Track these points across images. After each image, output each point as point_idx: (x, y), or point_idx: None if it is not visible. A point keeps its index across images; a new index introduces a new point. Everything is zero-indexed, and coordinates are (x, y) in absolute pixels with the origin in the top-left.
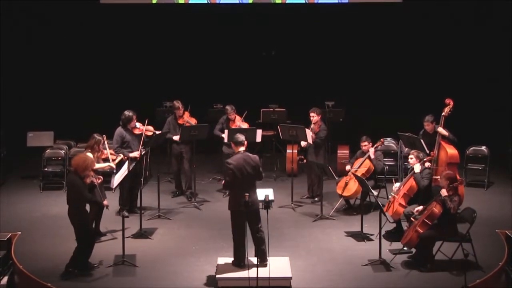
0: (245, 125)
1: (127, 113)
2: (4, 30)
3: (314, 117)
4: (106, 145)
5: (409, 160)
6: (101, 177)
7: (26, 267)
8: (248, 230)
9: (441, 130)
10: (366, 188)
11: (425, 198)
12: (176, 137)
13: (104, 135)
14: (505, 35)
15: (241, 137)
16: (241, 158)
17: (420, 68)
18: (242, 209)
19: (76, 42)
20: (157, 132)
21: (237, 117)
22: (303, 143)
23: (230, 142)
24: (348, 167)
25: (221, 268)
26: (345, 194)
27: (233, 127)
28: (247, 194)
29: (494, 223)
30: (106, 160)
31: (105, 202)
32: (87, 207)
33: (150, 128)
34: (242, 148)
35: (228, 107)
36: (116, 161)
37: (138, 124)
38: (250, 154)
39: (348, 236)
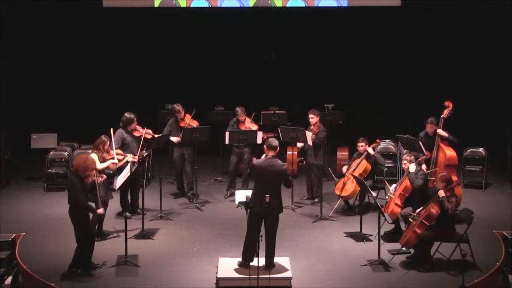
0: (254, 127)
1: (128, 115)
2: (7, 33)
3: (313, 118)
4: (114, 145)
5: (403, 165)
6: (105, 176)
7: (30, 267)
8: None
9: (440, 131)
10: (365, 188)
11: (420, 199)
12: (173, 138)
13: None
14: (504, 37)
15: (275, 142)
16: (267, 161)
17: (419, 70)
18: (258, 210)
19: (79, 44)
20: (156, 136)
21: (247, 119)
22: (299, 144)
23: (230, 144)
24: (345, 168)
25: (222, 268)
26: (343, 194)
27: (242, 128)
28: (268, 195)
29: (491, 223)
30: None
31: (99, 211)
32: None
33: (150, 131)
34: (272, 153)
35: (238, 109)
36: (123, 161)
37: (138, 127)
38: (279, 161)
39: (348, 237)
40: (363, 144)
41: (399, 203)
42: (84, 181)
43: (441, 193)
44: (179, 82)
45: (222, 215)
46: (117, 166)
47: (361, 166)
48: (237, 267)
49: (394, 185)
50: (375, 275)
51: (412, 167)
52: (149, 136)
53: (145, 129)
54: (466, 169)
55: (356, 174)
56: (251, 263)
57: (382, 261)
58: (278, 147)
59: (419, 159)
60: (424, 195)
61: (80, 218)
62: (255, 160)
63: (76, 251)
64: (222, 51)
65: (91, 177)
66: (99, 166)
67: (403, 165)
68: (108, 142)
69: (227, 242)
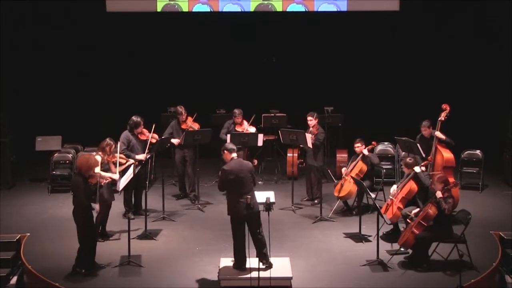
0: (252, 129)
1: (135, 118)
2: (12, 36)
3: (312, 120)
4: (118, 149)
5: (403, 169)
6: (109, 178)
7: (34, 267)
8: (248, 233)
9: (438, 134)
10: (363, 189)
11: (425, 199)
12: (174, 140)
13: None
14: (501, 40)
15: (230, 144)
16: (236, 163)
17: (418, 74)
18: (242, 214)
19: (83, 48)
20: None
21: (245, 121)
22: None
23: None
24: (344, 170)
25: (223, 268)
26: (341, 195)
27: (239, 129)
28: (249, 197)
29: (488, 224)
30: (115, 163)
31: (96, 208)
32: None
33: (156, 136)
34: (234, 155)
35: (236, 110)
36: (125, 165)
37: (144, 131)
38: (243, 160)
39: (347, 237)
40: (359, 145)
41: (402, 206)
42: (88, 181)
43: (439, 194)
44: (181, 85)
45: (224, 216)
46: (121, 169)
47: (357, 166)
48: (237, 270)
49: (394, 186)
50: (374, 275)
51: (418, 169)
52: (154, 141)
53: (152, 131)
54: (463, 171)
55: (353, 174)
56: (245, 266)
57: (380, 261)
58: (235, 148)
59: (422, 164)
60: (426, 194)
61: (83, 219)
62: (225, 166)
63: (79, 251)
64: (223, 55)
65: (95, 178)
66: (101, 172)
67: (404, 168)
68: (113, 145)
69: (229, 243)
